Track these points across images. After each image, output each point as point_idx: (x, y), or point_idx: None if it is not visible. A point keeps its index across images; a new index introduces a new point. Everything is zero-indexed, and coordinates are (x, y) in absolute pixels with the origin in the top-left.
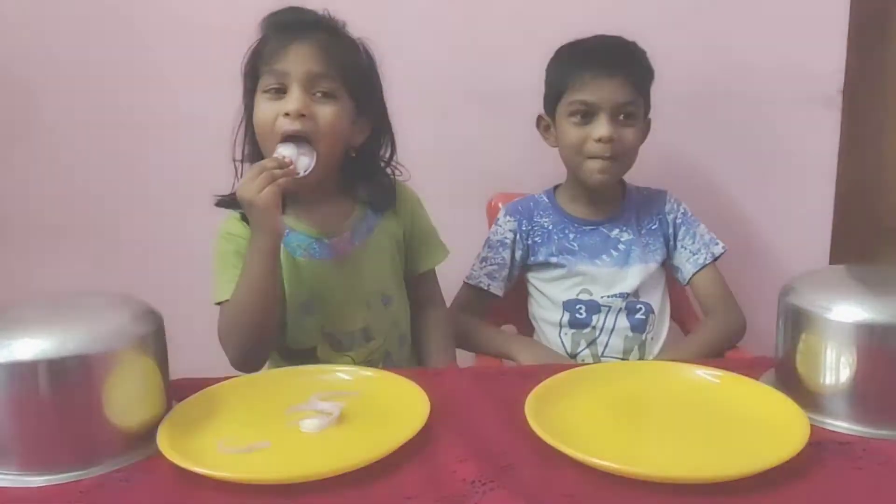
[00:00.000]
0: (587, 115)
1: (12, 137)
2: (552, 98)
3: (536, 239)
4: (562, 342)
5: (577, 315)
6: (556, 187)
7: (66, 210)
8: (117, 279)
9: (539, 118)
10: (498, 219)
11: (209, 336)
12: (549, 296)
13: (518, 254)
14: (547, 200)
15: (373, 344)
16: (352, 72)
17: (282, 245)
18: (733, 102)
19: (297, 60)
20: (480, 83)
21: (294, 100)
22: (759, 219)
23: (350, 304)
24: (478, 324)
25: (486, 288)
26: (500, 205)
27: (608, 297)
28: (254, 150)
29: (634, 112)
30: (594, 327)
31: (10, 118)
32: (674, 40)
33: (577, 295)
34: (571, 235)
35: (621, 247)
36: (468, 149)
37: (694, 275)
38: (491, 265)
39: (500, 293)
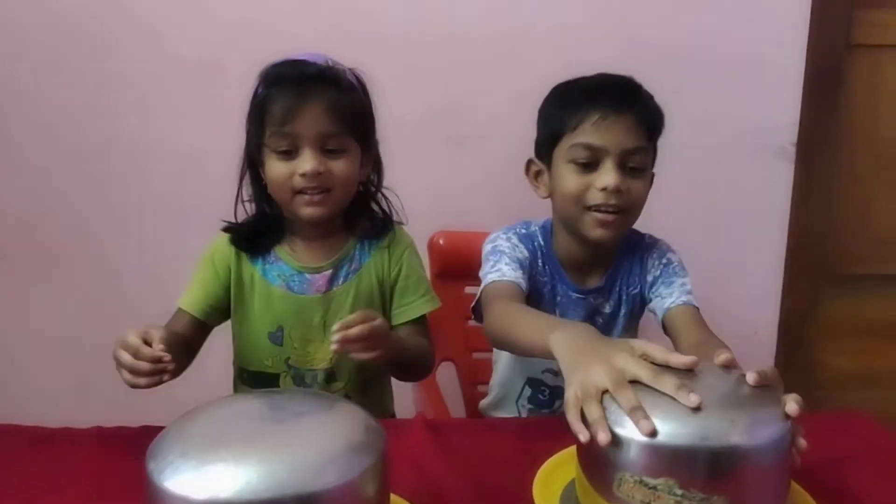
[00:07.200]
0: (591, 161)
1: None
2: (547, 141)
3: (533, 288)
4: (518, 411)
5: (540, 396)
6: (547, 228)
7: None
8: (101, 303)
9: (529, 163)
10: (501, 236)
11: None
12: (511, 361)
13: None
14: (544, 245)
15: (335, 385)
16: (358, 121)
17: (260, 270)
18: (690, 152)
19: (307, 123)
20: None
21: (308, 161)
22: (714, 266)
23: (318, 342)
24: (521, 308)
25: (520, 285)
26: (440, 241)
27: None
28: (259, 191)
29: (644, 161)
30: (554, 410)
31: None
32: None
33: (542, 374)
34: (558, 299)
35: (600, 321)
36: (408, 186)
37: (667, 311)
38: (517, 268)
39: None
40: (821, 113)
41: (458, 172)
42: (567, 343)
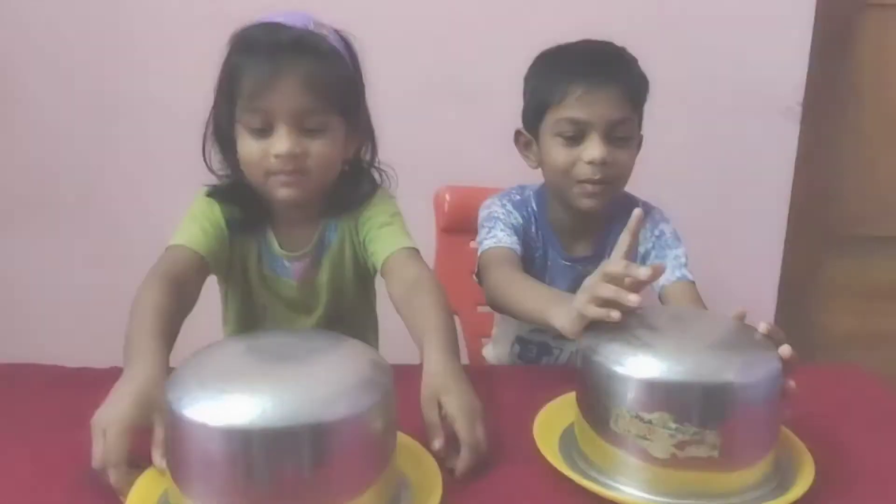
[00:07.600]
0: (577, 134)
1: None
2: (534, 113)
3: (525, 253)
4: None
5: (528, 353)
6: (542, 193)
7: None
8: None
9: (517, 134)
10: (496, 202)
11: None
12: (500, 321)
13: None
14: (537, 211)
15: None
16: (341, 94)
17: (258, 247)
18: (695, 111)
19: (283, 99)
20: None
21: (283, 142)
22: (716, 225)
23: (298, 323)
24: (520, 276)
25: (516, 251)
26: (446, 196)
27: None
28: (234, 165)
29: (629, 131)
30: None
31: None
32: (647, 44)
33: (529, 333)
34: (549, 264)
35: None
36: (414, 140)
37: (662, 288)
38: (512, 233)
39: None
40: (828, 73)
41: (463, 127)
42: (566, 315)
